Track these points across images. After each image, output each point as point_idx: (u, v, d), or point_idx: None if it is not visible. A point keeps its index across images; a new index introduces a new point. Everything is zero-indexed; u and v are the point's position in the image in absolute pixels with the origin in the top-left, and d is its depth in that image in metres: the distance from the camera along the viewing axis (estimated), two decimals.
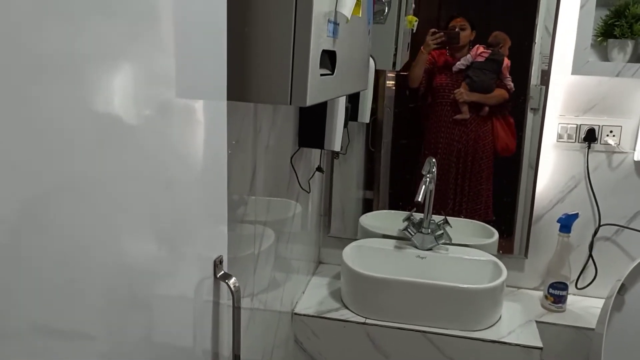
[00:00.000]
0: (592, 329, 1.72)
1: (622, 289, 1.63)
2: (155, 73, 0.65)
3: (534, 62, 1.87)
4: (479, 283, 1.72)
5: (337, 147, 1.64)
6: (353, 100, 1.78)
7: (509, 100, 1.94)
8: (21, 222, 0.47)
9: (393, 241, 1.98)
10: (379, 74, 1.97)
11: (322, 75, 0.90)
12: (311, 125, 1.62)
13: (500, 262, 1.82)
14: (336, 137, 1.62)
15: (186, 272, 0.78)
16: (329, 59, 0.95)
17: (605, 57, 1.77)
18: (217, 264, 0.83)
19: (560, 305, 1.88)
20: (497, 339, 1.66)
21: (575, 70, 1.74)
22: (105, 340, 0.62)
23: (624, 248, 1.93)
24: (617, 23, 1.70)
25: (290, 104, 0.83)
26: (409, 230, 1.95)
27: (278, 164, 1.51)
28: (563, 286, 1.87)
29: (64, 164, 0.51)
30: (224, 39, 0.78)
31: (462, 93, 1.96)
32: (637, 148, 1.84)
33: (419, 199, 1.72)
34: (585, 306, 1.92)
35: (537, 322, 1.79)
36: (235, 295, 0.83)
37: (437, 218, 1.97)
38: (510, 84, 1.92)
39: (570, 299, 1.91)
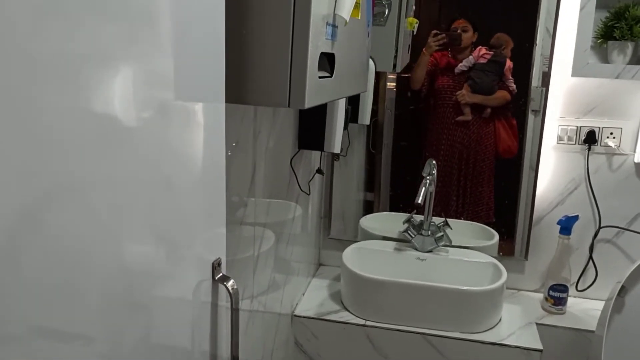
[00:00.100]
0: (592, 331, 1.72)
1: (622, 291, 1.63)
2: (154, 75, 0.65)
3: (535, 64, 1.87)
4: (479, 285, 1.72)
5: (337, 149, 1.65)
6: (353, 102, 1.78)
7: (511, 102, 1.94)
8: (20, 224, 0.47)
9: (393, 243, 1.98)
10: (380, 76, 1.97)
11: (320, 77, 0.90)
12: (311, 127, 1.63)
13: (501, 264, 1.82)
14: (336, 139, 1.62)
15: (185, 274, 0.78)
16: (327, 61, 0.95)
17: (605, 59, 1.77)
18: (216, 266, 0.83)
19: (560, 307, 1.88)
20: (497, 341, 1.66)
21: (575, 72, 1.74)
22: (104, 342, 0.62)
23: (624, 250, 1.93)
24: (617, 25, 1.70)
25: (289, 106, 0.83)
26: (409, 232, 1.95)
27: (278, 166, 1.51)
28: (563, 288, 1.87)
29: (62, 166, 0.52)
30: (222, 41, 0.78)
31: (464, 95, 1.96)
32: (637, 150, 1.84)
33: (419, 201, 1.72)
34: (585, 308, 1.92)
35: (537, 324, 1.79)
36: (234, 297, 0.83)
37: (438, 220, 1.96)
38: (513, 86, 1.92)
39: (570, 301, 1.91)
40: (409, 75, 1.99)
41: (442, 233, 1.94)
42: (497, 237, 2.02)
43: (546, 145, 1.91)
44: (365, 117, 1.83)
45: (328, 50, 0.92)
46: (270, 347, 1.60)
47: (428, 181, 1.79)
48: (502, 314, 1.79)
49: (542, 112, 1.88)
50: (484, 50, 1.93)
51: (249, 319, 1.38)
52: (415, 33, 1.89)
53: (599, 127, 1.86)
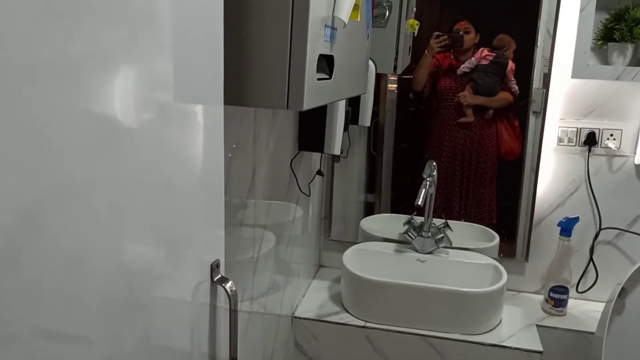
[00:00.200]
0: (593, 333, 1.71)
1: (623, 293, 1.63)
2: (152, 77, 0.65)
3: (536, 65, 1.87)
4: (479, 287, 1.72)
5: (337, 151, 1.65)
6: (354, 104, 1.78)
7: (513, 103, 1.94)
8: (20, 225, 0.48)
9: (393, 245, 1.98)
10: (380, 78, 1.97)
11: (319, 79, 0.90)
12: (311, 128, 1.63)
13: (501, 266, 1.82)
14: (336, 140, 1.62)
15: (183, 276, 0.78)
16: (326, 63, 0.95)
17: (605, 60, 1.77)
18: (214, 267, 0.83)
19: (561, 309, 1.88)
20: (497, 343, 1.66)
21: (575, 74, 1.74)
22: (103, 343, 0.62)
23: (624, 251, 1.93)
24: (617, 26, 1.70)
25: (287, 108, 0.84)
26: (409, 233, 1.95)
27: (278, 167, 1.51)
28: (564, 290, 1.87)
29: (62, 167, 0.52)
30: (221, 43, 0.78)
31: (466, 96, 1.97)
32: (637, 151, 1.84)
33: (419, 203, 1.72)
34: (586, 310, 1.92)
35: (537, 325, 1.79)
36: (232, 298, 0.83)
37: (438, 221, 1.97)
38: (515, 87, 1.92)
39: (571, 302, 1.91)
40: (411, 76, 2.00)
41: (442, 235, 1.94)
42: (497, 238, 2.02)
43: (546, 147, 1.91)
44: (365, 118, 1.83)
45: (327, 52, 0.92)
46: (270, 348, 1.60)
47: (428, 183, 1.80)
48: (503, 316, 1.79)
49: (542, 114, 1.88)
50: (486, 52, 1.93)
51: (248, 320, 1.39)
52: (416, 35, 1.90)
53: (599, 129, 1.86)
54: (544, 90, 1.86)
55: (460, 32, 1.94)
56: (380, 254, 1.95)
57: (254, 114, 1.27)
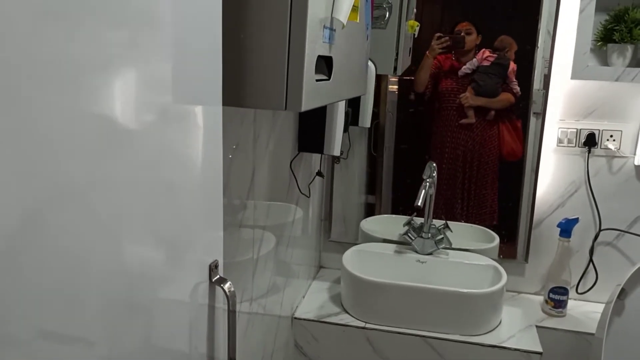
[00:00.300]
0: (592, 334, 1.71)
1: (622, 294, 1.63)
2: (152, 78, 0.65)
3: (537, 66, 1.87)
4: (479, 288, 1.72)
5: (336, 152, 1.65)
6: (354, 105, 1.78)
7: (515, 104, 1.94)
8: (21, 226, 0.48)
9: (393, 246, 1.98)
10: (381, 79, 1.97)
11: (318, 80, 0.90)
12: (311, 129, 1.63)
13: (501, 267, 1.82)
14: (336, 141, 1.62)
15: (182, 276, 0.78)
16: (325, 64, 0.95)
17: (605, 61, 1.77)
18: (213, 268, 0.83)
19: (560, 310, 1.88)
20: (497, 344, 1.66)
21: (575, 75, 1.74)
22: (102, 344, 0.62)
23: (624, 252, 1.93)
24: (616, 28, 1.70)
25: (286, 109, 0.84)
26: (409, 234, 1.96)
27: (278, 168, 1.51)
28: (563, 291, 1.87)
29: (63, 169, 0.52)
30: (219, 44, 0.79)
31: (468, 97, 1.97)
32: (637, 152, 1.84)
33: (419, 204, 1.72)
34: (585, 311, 1.92)
35: (537, 326, 1.79)
36: (231, 299, 0.83)
37: (438, 222, 1.97)
38: (517, 88, 1.92)
39: (570, 303, 1.91)
40: (412, 78, 2.00)
41: (442, 236, 1.94)
42: (497, 239, 2.02)
43: (546, 148, 1.91)
44: (365, 119, 1.83)
45: (326, 53, 0.92)
46: (270, 349, 1.60)
47: (428, 184, 1.80)
48: (502, 317, 1.79)
49: (542, 115, 1.88)
50: (487, 53, 1.93)
51: (248, 321, 1.39)
52: (416, 36, 1.90)
53: (599, 130, 1.86)
54: (544, 91, 1.86)
55: (462, 34, 1.94)
56: (380, 255, 1.95)
57: (253, 115, 1.27)
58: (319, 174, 1.91)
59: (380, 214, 2.15)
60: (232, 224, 1.21)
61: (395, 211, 2.13)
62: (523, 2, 1.89)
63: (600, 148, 1.87)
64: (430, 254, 1.92)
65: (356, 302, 1.79)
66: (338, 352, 1.78)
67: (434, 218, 1.94)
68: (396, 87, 2.04)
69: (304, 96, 0.83)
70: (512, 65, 1.92)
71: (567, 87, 1.85)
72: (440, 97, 2.00)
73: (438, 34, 1.94)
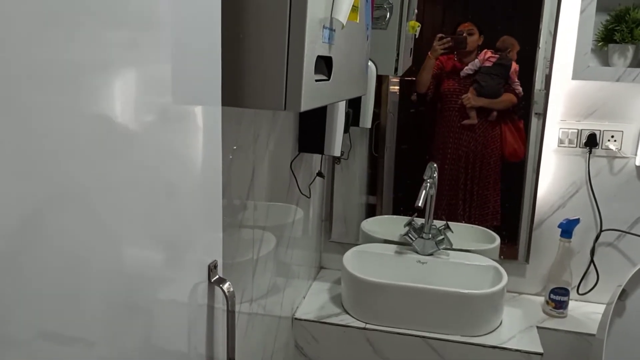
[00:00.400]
0: (593, 335, 1.71)
1: (623, 295, 1.62)
2: (151, 79, 0.65)
3: (538, 67, 1.87)
4: (479, 288, 1.72)
5: (336, 153, 1.65)
6: (354, 106, 1.78)
7: (517, 105, 1.94)
8: (21, 227, 0.48)
9: (394, 246, 1.98)
10: (382, 79, 1.97)
11: (317, 80, 0.90)
12: (311, 130, 1.63)
13: (501, 268, 1.82)
14: (336, 142, 1.62)
15: (181, 277, 0.78)
16: (325, 64, 0.95)
17: (606, 62, 1.77)
18: (212, 268, 0.83)
19: (561, 310, 1.87)
20: (497, 345, 1.66)
21: (576, 75, 1.74)
22: (102, 345, 0.62)
23: (625, 253, 1.93)
24: (617, 28, 1.70)
25: (285, 109, 0.84)
26: (409, 235, 1.95)
27: (278, 169, 1.51)
28: (564, 292, 1.86)
29: (63, 170, 0.52)
30: (219, 45, 0.79)
31: (470, 98, 1.97)
32: (638, 153, 1.84)
33: (419, 204, 1.72)
34: (586, 312, 1.91)
35: (538, 327, 1.79)
36: (229, 299, 0.83)
37: (439, 223, 1.97)
38: (519, 89, 1.92)
39: (571, 304, 1.90)
40: (413, 78, 2.00)
41: (442, 236, 1.94)
42: (498, 240, 2.02)
43: (547, 148, 1.91)
44: (366, 120, 1.83)
45: (325, 53, 0.92)
46: (270, 350, 1.60)
47: (428, 184, 1.80)
48: (503, 317, 1.79)
49: (543, 115, 1.88)
50: (489, 54, 1.93)
51: (248, 322, 1.39)
52: (417, 36, 1.90)
53: (600, 130, 1.86)
54: (545, 91, 1.86)
55: (464, 34, 1.94)
56: (380, 256, 1.95)
57: (253, 115, 1.27)
58: (320, 174, 1.91)
59: (381, 214, 2.15)
60: (231, 224, 1.21)
61: (396, 212, 2.13)
62: (524, 3, 1.89)
63: (601, 148, 1.87)
64: (431, 254, 1.92)
65: (357, 302, 1.79)
66: (338, 353, 1.78)
67: (435, 219, 1.94)
68: (397, 87, 2.03)
69: (303, 96, 0.83)
70: (515, 66, 1.92)
71: (568, 87, 1.85)
72: (442, 97, 2.00)
73: (440, 35, 1.94)
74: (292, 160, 1.61)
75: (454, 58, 1.98)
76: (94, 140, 0.56)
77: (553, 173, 1.93)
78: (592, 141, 1.86)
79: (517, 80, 1.92)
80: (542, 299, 1.96)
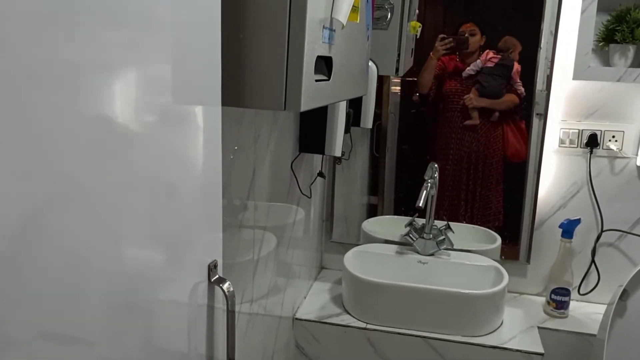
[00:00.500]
0: (594, 335, 1.71)
1: (624, 295, 1.62)
2: (151, 79, 0.66)
3: (540, 67, 1.87)
4: (480, 288, 1.72)
5: (337, 153, 1.65)
6: (355, 106, 1.78)
7: (519, 105, 1.94)
8: (21, 227, 0.48)
9: (395, 246, 1.98)
10: (383, 80, 1.97)
11: (317, 80, 0.90)
12: (311, 130, 1.63)
13: (502, 268, 1.82)
14: (336, 142, 1.62)
15: (181, 277, 0.78)
16: (325, 64, 0.95)
17: (606, 62, 1.77)
18: (212, 268, 0.83)
19: (562, 311, 1.87)
20: (498, 345, 1.66)
21: (577, 76, 1.74)
22: (102, 345, 0.62)
23: (626, 253, 1.92)
24: (618, 28, 1.70)
25: (285, 109, 0.84)
26: (410, 235, 1.95)
27: (278, 169, 1.51)
28: (565, 292, 1.86)
29: (63, 170, 0.52)
30: (219, 45, 0.79)
31: (472, 99, 1.97)
32: (639, 153, 1.84)
33: (420, 204, 1.72)
34: (587, 312, 1.91)
35: (539, 327, 1.78)
36: (229, 299, 0.83)
37: (440, 223, 1.97)
38: (521, 89, 1.92)
39: (572, 304, 1.90)
40: (416, 79, 2.00)
41: (443, 236, 1.94)
42: (499, 240, 2.02)
43: (548, 149, 1.91)
44: (367, 120, 1.83)
45: (325, 53, 0.92)
46: (271, 350, 1.60)
47: (429, 185, 1.80)
48: (504, 318, 1.79)
49: (544, 116, 1.88)
50: (491, 54, 1.93)
51: (248, 322, 1.39)
52: (418, 37, 1.90)
53: (601, 131, 1.85)
54: (547, 92, 1.86)
55: (466, 35, 1.94)
56: (381, 256, 1.95)
57: (254, 115, 1.27)
58: (320, 174, 1.91)
59: (382, 214, 2.15)
60: (232, 224, 1.21)
61: (397, 212, 2.13)
62: (525, 3, 1.89)
63: (602, 149, 1.87)
64: (432, 254, 1.92)
65: (357, 302, 1.79)
66: (339, 353, 1.78)
67: (436, 219, 1.94)
68: (399, 88, 2.04)
69: (303, 96, 0.83)
70: (517, 66, 1.92)
71: (569, 87, 1.85)
72: (444, 98, 2.00)
73: (442, 35, 1.94)
74: (293, 161, 1.62)
75: (456, 59, 1.98)
76: (94, 140, 0.56)
77: (554, 173, 1.93)
78: (593, 141, 1.86)
79: (519, 81, 1.92)
80: (543, 299, 1.96)
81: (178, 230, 0.76)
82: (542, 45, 1.85)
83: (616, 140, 1.85)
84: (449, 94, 1.99)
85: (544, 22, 1.83)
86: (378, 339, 1.73)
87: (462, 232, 2.00)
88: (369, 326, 1.74)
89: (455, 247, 1.94)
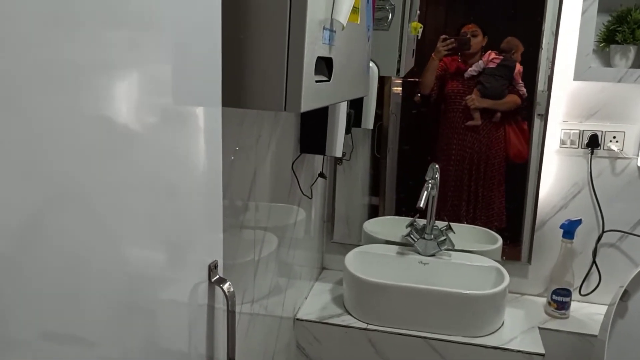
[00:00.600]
0: (595, 336, 1.71)
1: (625, 296, 1.62)
2: (151, 80, 0.66)
3: (541, 68, 1.87)
4: (481, 289, 1.71)
5: (338, 153, 1.65)
6: (356, 107, 1.78)
7: (521, 106, 1.94)
8: (22, 227, 0.48)
9: (396, 247, 1.98)
10: (384, 81, 1.97)
11: (318, 81, 0.91)
12: (312, 131, 1.63)
13: (503, 268, 1.81)
14: (337, 143, 1.62)
15: (182, 277, 0.78)
16: (325, 65, 0.96)
17: (607, 62, 1.77)
18: (212, 268, 0.83)
19: (563, 311, 1.87)
20: (499, 345, 1.66)
21: (578, 76, 1.74)
22: (103, 345, 0.62)
23: (627, 254, 1.92)
24: (619, 29, 1.70)
25: (285, 110, 0.84)
26: (411, 236, 1.95)
27: (279, 169, 1.51)
28: (566, 292, 1.86)
29: (63, 171, 0.52)
30: (219, 46, 0.79)
31: (474, 99, 1.97)
32: None
33: (421, 205, 1.72)
34: (588, 313, 1.91)
35: (540, 328, 1.78)
36: (230, 299, 0.83)
37: (441, 224, 1.97)
38: (523, 90, 1.92)
39: (573, 305, 1.90)
40: (418, 80, 2.00)
41: (444, 237, 1.94)
42: (500, 241, 2.02)
43: (549, 149, 1.91)
44: (368, 121, 1.83)
45: (325, 54, 0.92)
46: (271, 350, 1.60)
47: (430, 185, 1.80)
48: (505, 318, 1.79)
49: (545, 116, 1.88)
50: (493, 55, 1.93)
51: (249, 322, 1.39)
52: (419, 38, 1.90)
53: (602, 131, 1.85)
54: (548, 92, 1.86)
55: (468, 35, 1.94)
56: (382, 257, 1.95)
57: (255, 116, 1.28)
58: (321, 175, 1.91)
59: (383, 215, 2.15)
60: (233, 225, 1.21)
61: (398, 213, 2.13)
62: (526, 4, 1.89)
63: (603, 149, 1.87)
64: (433, 255, 1.92)
65: (358, 303, 1.79)
66: (340, 354, 1.78)
67: (437, 220, 1.94)
68: (400, 88, 2.04)
69: (303, 97, 0.84)
70: (518, 67, 1.92)
71: (570, 88, 1.85)
72: (446, 99, 2.00)
73: (443, 36, 1.94)
74: (294, 161, 1.62)
75: (458, 59, 1.98)
76: (95, 140, 0.56)
77: (555, 174, 1.93)
78: (594, 142, 1.86)
79: (521, 82, 1.92)
80: (544, 299, 1.96)
81: (178, 230, 0.76)
82: (543, 46, 1.85)
83: (617, 141, 1.85)
84: (451, 94, 1.99)
85: (545, 22, 1.83)
86: (379, 340, 1.73)
87: (463, 233, 2.00)
88: (370, 327, 1.74)
89: (456, 247, 1.94)
